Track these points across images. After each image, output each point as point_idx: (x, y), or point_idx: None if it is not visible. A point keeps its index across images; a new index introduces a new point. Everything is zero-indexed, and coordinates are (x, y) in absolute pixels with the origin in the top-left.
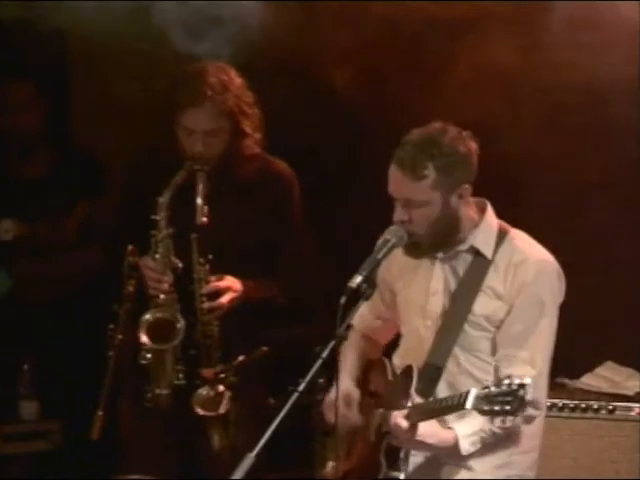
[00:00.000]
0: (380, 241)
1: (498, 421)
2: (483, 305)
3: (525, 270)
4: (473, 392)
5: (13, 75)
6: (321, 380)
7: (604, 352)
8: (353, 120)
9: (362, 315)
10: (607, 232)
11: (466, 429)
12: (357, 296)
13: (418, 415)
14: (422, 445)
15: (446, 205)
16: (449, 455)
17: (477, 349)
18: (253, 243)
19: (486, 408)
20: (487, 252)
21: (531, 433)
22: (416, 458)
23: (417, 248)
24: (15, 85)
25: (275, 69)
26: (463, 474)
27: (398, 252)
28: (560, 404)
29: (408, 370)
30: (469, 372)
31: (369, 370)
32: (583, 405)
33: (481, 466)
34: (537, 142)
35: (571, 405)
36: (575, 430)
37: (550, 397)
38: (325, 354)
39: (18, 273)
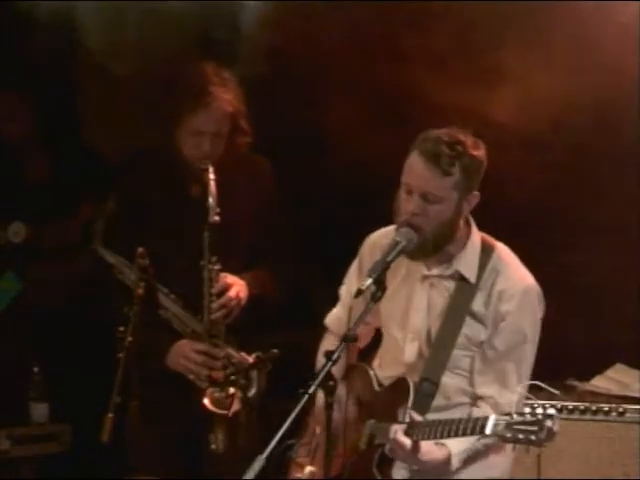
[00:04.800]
0: (389, 243)
1: (486, 440)
2: (466, 326)
3: (509, 298)
4: (492, 418)
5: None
6: (331, 383)
7: (614, 354)
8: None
9: (341, 321)
10: (616, 235)
11: (459, 447)
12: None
13: (421, 433)
14: (417, 461)
15: (458, 208)
16: (436, 468)
17: (458, 367)
18: (248, 238)
19: (509, 435)
20: (471, 277)
21: None
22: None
23: (422, 249)
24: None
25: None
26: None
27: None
28: (570, 406)
29: (400, 383)
30: (449, 388)
31: (350, 376)
32: (593, 407)
33: (465, 472)
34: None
35: (581, 407)
36: (585, 432)
37: (561, 399)
38: (335, 356)
39: (28, 276)
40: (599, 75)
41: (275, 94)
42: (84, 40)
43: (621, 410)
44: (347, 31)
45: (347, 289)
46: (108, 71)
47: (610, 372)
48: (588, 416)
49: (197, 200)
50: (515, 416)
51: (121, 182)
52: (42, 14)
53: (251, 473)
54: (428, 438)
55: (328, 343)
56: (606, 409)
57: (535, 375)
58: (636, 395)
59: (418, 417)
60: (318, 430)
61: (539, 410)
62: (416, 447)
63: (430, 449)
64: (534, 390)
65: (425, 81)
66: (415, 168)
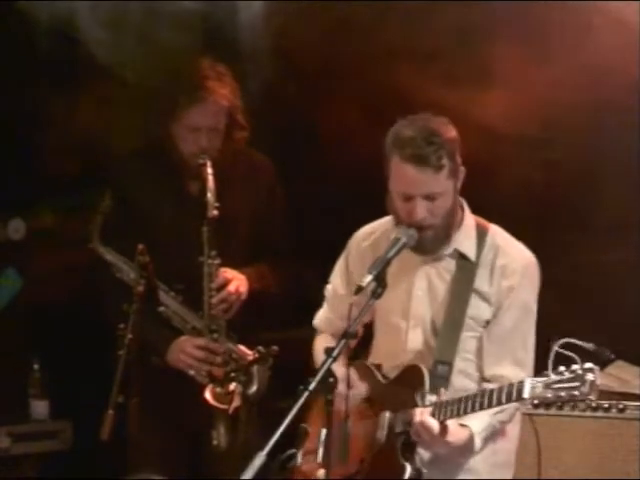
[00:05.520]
0: (390, 240)
1: (501, 416)
2: (471, 306)
3: (511, 274)
4: (528, 381)
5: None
6: (331, 379)
7: (615, 351)
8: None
9: (329, 320)
10: (617, 233)
11: (479, 425)
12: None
13: (449, 412)
14: (443, 443)
15: (455, 191)
16: (459, 450)
17: (464, 349)
18: (247, 233)
19: (549, 395)
20: (471, 255)
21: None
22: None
23: (436, 242)
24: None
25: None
26: (463, 467)
27: (375, 254)
28: (571, 403)
29: (411, 370)
30: (456, 371)
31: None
32: (593, 404)
33: (474, 458)
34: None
35: (581, 404)
36: (585, 429)
37: None
38: (335, 353)
39: (28, 273)
40: (599, 75)
41: (276, 94)
42: (84, 40)
43: (621, 407)
44: (347, 31)
45: (333, 287)
46: (108, 70)
47: (610, 369)
48: (588, 413)
49: (195, 197)
50: (552, 375)
51: (119, 180)
52: (43, 14)
53: (251, 470)
54: (457, 415)
55: (322, 341)
56: (606, 406)
57: (537, 371)
58: (636, 392)
59: (440, 398)
60: (323, 433)
61: (576, 366)
62: (443, 429)
63: (455, 431)
64: None
65: (425, 81)
66: (407, 176)
